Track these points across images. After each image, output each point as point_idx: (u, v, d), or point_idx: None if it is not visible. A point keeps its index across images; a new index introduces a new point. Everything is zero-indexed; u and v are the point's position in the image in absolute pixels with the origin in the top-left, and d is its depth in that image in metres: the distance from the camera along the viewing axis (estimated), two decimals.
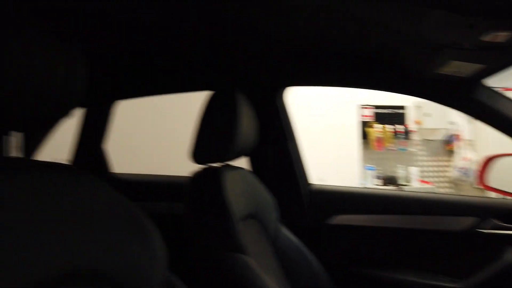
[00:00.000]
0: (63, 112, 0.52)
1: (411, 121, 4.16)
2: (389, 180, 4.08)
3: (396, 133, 4.12)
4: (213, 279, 0.95)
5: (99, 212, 0.52)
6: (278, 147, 1.49)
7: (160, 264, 0.58)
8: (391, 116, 4.14)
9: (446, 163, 4.30)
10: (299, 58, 1.22)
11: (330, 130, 3.84)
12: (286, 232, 1.27)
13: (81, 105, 0.53)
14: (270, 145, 1.48)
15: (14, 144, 0.51)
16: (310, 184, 1.52)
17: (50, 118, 0.51)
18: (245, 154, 1.21)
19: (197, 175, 1.05)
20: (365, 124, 4.10)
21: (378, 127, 4.10)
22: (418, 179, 4.08)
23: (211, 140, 1.06)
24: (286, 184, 1.48)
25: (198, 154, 1.08)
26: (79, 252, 0.48)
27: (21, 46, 0.44)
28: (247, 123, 1.10)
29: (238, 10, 0.87)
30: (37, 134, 1.54)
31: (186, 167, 1.10)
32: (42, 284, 0.43)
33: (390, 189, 3.85)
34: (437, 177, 4.29)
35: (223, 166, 1.11)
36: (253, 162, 1.51)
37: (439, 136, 4.25)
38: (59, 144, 1.69)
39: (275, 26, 0.95)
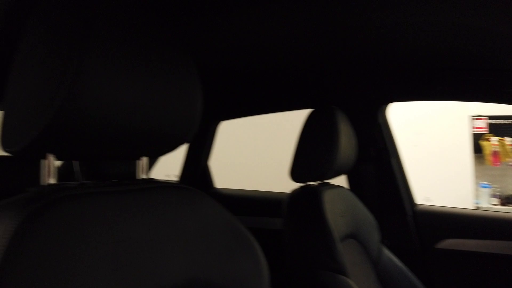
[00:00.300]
0: (186, 138, 0.58)
1: None
2: (509, 200, 3.63)
3: None
4: None
5: (210, 226, 0.57)
6: (380, 164, 1.43)
7: (264, 279, 0.61)
8: (511, 128, 3.70)
9: None
10: (403, 73, 1.17)
11: (438, 144, 3.57)
12: (389, 254, 1.21)
13: None
14: (370, 163, 1.43)
15: (143, 167, 0.58)
16: (415, 204, 1.43)
17: (176, 144, 0.58)
18: (344, 173, 1.19)
19: (296, 193, 1.07)
20: (478, 137, 3.73)
21: (494, 140, 3.69)
22: None
23: (310, 158, 1.07)
24: (389, 203, 1.42)
25: (297, 173, 1.09)
26: (194, 264, 0.52)
27: (158, 81, 0.50)
28: (346, 141, 1.08)
29: (341, 30, 0.87)
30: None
31: (286, 185, 1.13)
32: None
33: (510, 210, 3.42)
34: None
35: (321, 184, 1.11)
36: (351, 180, 1.48)
37: None
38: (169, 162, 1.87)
39: (380, 44, 0.93)
